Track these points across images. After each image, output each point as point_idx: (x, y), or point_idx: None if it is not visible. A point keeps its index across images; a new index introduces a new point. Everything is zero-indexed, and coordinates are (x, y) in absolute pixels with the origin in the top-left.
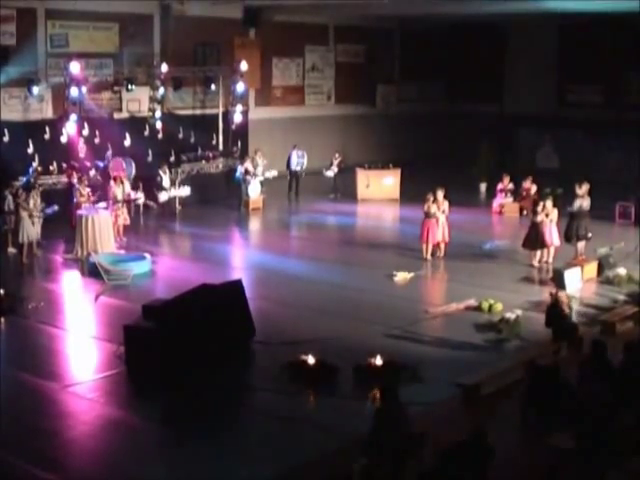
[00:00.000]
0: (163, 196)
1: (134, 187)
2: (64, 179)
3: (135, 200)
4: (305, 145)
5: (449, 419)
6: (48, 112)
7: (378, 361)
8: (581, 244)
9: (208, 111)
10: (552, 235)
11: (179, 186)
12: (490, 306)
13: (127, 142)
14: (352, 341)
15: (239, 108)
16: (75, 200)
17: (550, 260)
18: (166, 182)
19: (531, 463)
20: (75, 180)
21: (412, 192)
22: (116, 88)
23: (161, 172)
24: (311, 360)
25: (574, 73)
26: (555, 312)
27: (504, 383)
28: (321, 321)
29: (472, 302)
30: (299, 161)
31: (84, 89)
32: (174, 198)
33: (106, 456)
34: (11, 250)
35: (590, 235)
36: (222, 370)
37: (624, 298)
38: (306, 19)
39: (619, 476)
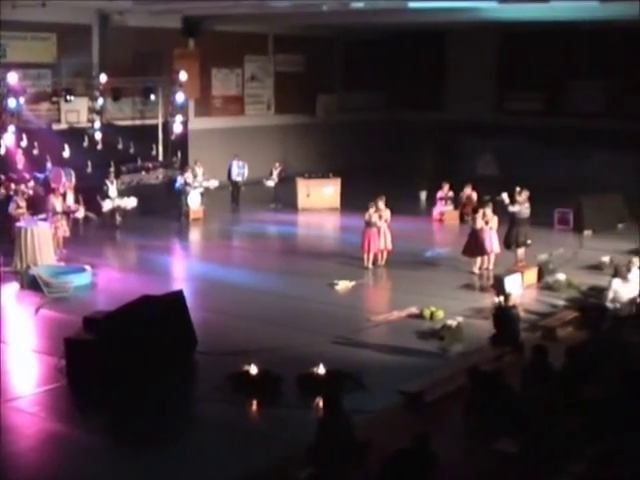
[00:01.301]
0: (107, 204)
1: (74, 199)
2: (2, 191)
3: (74, 212)
4: (245, 155)
5: (393, 426)
6: None
7: (321, 370)
8: (521, 250)
9: (148, 121)
10: (492, 242)
11: (124, 197)
12: (432, 313)
13: (66, 153)
14: (295, 350)
15: (179, 118)
16: (12, 212)
17: (490, 267)
18: (112, 192)
19: (475, 468)
20: (12, 192)
21: (353, 201)
22: (54, 99)
23: (107, 182)
24: (254, 370)
25: (514, 81)
26: (503, 317)
27: (447, 389)
28: (264, 331)
29: (414, 310)
30: (240, 171)
31: (22, 100)
32: (115, 209)
33: (48, 471)
34: None
35: (530, 242)
36: (165, 382)
37: (564, 303)
38: (245, 29)
39: None
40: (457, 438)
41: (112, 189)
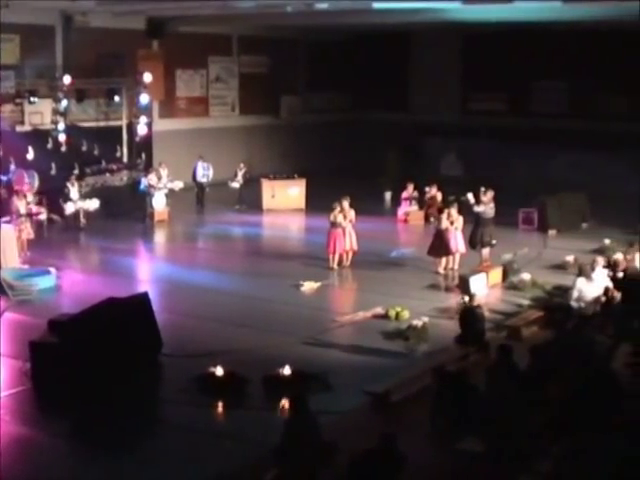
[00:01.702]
0: (69, 207)
1: (38, 201)
2: None
3: (38, 214)
4: (210, 156)
5: (359, 427)
6: None
7: (287, 371)
8: (486, 250)
9: (112, 123)
10: (457, 242)
11: (86, 199)
12: (397, 314)
13: (30, 155)
14: (261, 352)
15: (143, 120)
16: None
17: (455, 267)
18: (74, 194)
19: (441, 468)
20: None
21: (318, 202)
22: (18, 100)
23: (69, 184)
24: (220, 372)
25: (478, 81)
26: (468, 317)
27: (413, 389)
28: (229, 332)
29: (379, 310)
30: (204, 173)
31: None
32: (79, 211)
33: (14, 475)
34: None
35: (494, 242)
36: (130, 384)
37: (529, 303)
38: (210, 30)
39: (529, 479)
40: (423, 438)
41: (73, 191)
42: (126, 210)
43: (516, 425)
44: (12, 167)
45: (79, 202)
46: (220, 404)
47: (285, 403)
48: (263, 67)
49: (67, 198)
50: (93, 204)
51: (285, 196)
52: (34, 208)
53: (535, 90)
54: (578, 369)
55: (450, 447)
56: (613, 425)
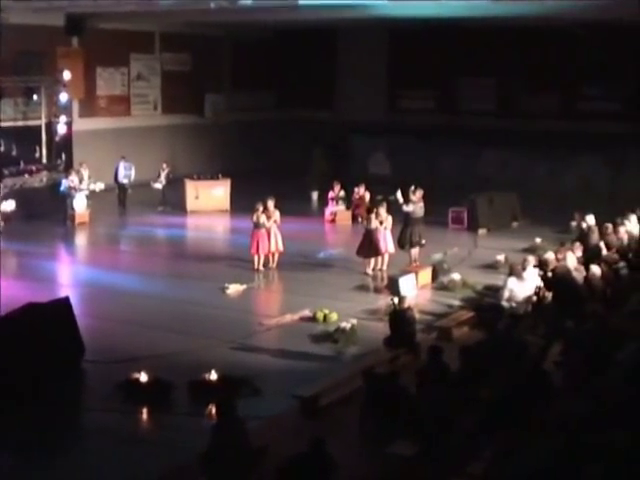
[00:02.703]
0: None
1: None
2: None
3: None
4: (132, 156)
5: (289, 431)
6: None
7: (213, 376)
8: (415, 250)
9: (31, 122)
10: (386, 242)
11: (2, 200)
12: (325, 316)
13: None
14: (186, 356)
15: (63, 119)
16: None
17: (384, 267)
18: None
19: (371, 472)
20: None
21: (243, 202)
22: None
23: None
24: (144, 377)
25: (405, 79)
26: (398, 319)
27: (343, 393)
28: (153, 337)
29: (307, 312)
30: (126, 173)
31: None
32: None
33: None
34: None
35: (424, 241)
36: (52, 391)
37: (459, 303)
38: (131, 27)
39: None
40: (353, 442)
41: None
42: (46, 212)
43: (447, 427)
44: None
45: None
46: (145, 411)
47: (212, 408)
48: (186, 65)
49: None
50: (9, 205)
51: (209, 197)
52: None
53: (462, 88)
54: (509, 369)
55: (381, 451)
56: (544, 424)
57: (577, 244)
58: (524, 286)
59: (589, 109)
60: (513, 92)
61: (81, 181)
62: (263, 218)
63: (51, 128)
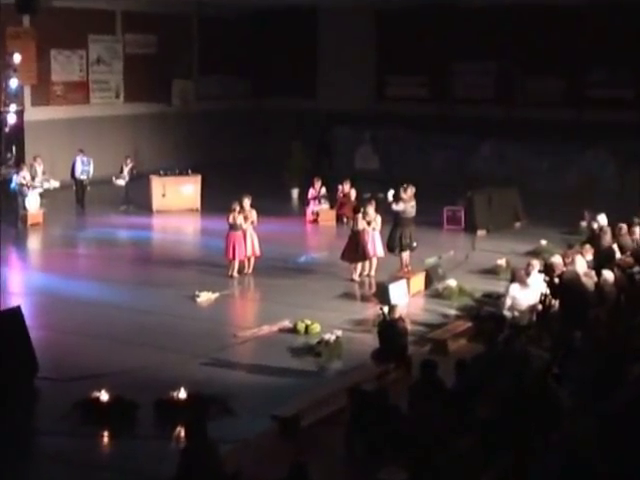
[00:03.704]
0: None
1: None
2: None
3: None
4: (92, 150)
5: (266, 455)
6: None
7: (182, 394)
8: (406, 254)
9: None
10: (375, 245)
11: None
12: (307, 327)
13: None
14: (152, 372)
15: (13, 108)
16: None
17: (372, 273)
18: None
19: None
20: None
21: (215, 201)
22: None
23: None
24: (105, 396)
25: (394, 63)
26: (387, 330)
27: (326, 412)
28: (116, 351)
29: (286, 323)
30: (85, 169)
31: None
32: None
33: None
34: None
35: (416, 244)
36: (2, 412)
37: (455, 313)
38: (89, 5)
39: None
40: (338, 467)
41: None
42: None
43: (441, 450)
44: None
45: None
46: (106, 434)
47: (180, 430)
48: (151, 47)
49: None
50: None
51: (178, 195)
52: None
53: (458, 73)
54: (511, 386)
55: (368, 477)
56: (548, 444)
57: (587, 246)
58: (528, 293)
59: (597, 96)
60: (513, 78)
61: (34, 177)
62: (240, 219)
63: (0, 118)
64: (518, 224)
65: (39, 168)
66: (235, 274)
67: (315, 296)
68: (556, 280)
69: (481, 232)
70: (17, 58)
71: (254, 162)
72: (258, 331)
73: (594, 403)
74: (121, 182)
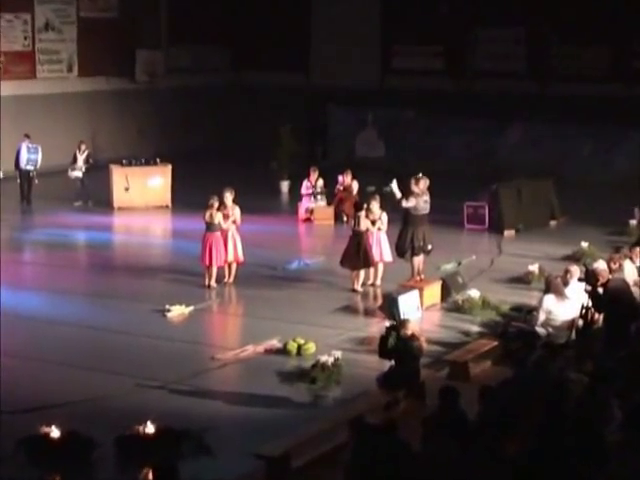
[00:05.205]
0: None
1: None
2: None
3: None
4: (39, 135)
5: None
6: None
7: (150, 429)
8: (418, 259)
9: None
10: (381, 249)
11: None
12: (299, 347)
13: None
14: (114, 403)
15: None
16: None
17: (378, 282)
18: None
19: None
20: None
21: (189, 196)
22: None
23: None
24: (56, 432)
25: (404, 32)
26: (396, 350)
27: (322, 450)
28: (70, 378)
29: (275, 343)
30: (31, 157)
31: None
32: None
33: None
34: None
35: (430, 247)
36: None
37: (478, 329)
38: None
39: None
40: None
41: None
42: None
43: None
44: None
45: None
46: (56, 477)
47: (147, 472)
48: (111, 10)
49: None
50: None
51: (144, 188)
52: None
53: (480, 42)
54: (545, 418)
55: None
56: None
57: (638, 250)
58: (566, 306)
59: None
60: (548, 46)
61: None
62: (219, 217)
63: None
64: (553, 223)
65: None
66: (213, 284)
67: (309, 310)
68: (600, 290)
69: (509, 232)
70: None
71: (235, 149)
72: (241, 352)
73: None
74: (76, 173)
